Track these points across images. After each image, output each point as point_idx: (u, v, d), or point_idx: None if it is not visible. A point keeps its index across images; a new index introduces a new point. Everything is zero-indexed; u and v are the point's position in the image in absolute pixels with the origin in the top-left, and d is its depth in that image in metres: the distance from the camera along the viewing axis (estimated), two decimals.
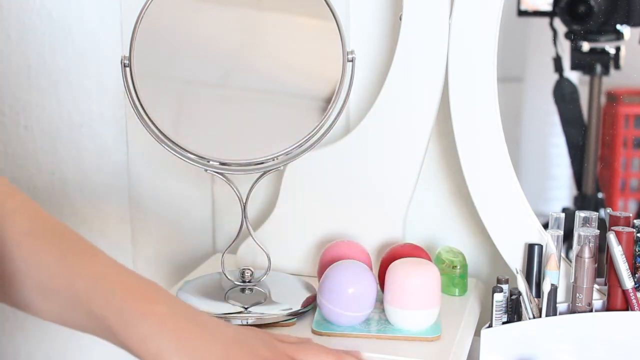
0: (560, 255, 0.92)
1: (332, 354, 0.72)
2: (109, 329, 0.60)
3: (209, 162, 0.92)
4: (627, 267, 0.90)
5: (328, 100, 0.92)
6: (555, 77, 1.10)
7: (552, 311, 0.90)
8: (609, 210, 0.94)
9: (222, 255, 0.96)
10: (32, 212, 0.64)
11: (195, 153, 0.91)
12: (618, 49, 1.07)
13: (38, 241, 0.62)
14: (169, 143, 0.91)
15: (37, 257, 0.62)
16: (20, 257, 0.62)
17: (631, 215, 0.92)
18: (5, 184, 0.65)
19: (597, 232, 0.91)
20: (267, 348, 0.65)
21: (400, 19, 0.97)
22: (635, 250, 0.91)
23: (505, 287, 0.91)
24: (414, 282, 0.87)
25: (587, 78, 1.09)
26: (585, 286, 0.90)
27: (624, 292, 0.90)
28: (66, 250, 0.63)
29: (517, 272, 0.91)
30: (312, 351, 0.70)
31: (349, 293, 0.87)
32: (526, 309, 0.90)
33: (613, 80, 1.09)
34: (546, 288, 0.89)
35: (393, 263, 0.90)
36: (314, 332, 0.88)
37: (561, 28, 1.07)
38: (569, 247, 0.98)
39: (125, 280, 0.62)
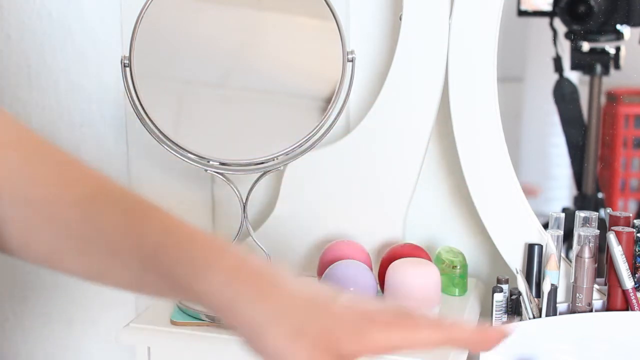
0: (560, 255, 0.92)
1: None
2: (180, 283, 0.58)
3: (209, 162, 0.92)
4: (627, 267, 0.90)
5: (328, 100, 0.92)
6: (555, 77, 1.10)
7: (552, 311, 0.90)
8: (609, 210, 0.94)
9: None
10: (93, 178, 0.63)
11: (195, 153, 0.91)
12: (618, 49, 1.07)
13: (102, 205, 0.61)
14: (169, 143, 0.91)
15: (102, 221, 0.60)
16: (83, 222, 0.60)
17: (631, 215, 0.92)
18: (58, 151, 0.64)
19: (597, 232, 0.91)
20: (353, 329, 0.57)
21: (400, 19, 0.97)
22: (635, 250, 0.91)
23: (505, 287, 0.91)
24: (414, 282, 0.87)
25: (587, 78, 1.09)
26: (585, 286, 0.90)
27: (624, 292, 0.90)
28: (131, 210, 0.61)
29: (517, 272, 0.91)
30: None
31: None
32: (526, 309, 0.90)
33: (613, 80, 1.09)
34: (546, 288, 0.89)
35: (393, 263, 0.90)
36: None
37: (561, 28, 1.07)
38: (569, 247, 0.98)
39: (194, 233, 0.60)
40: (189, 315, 0.91)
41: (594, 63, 1.08)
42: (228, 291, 0.57)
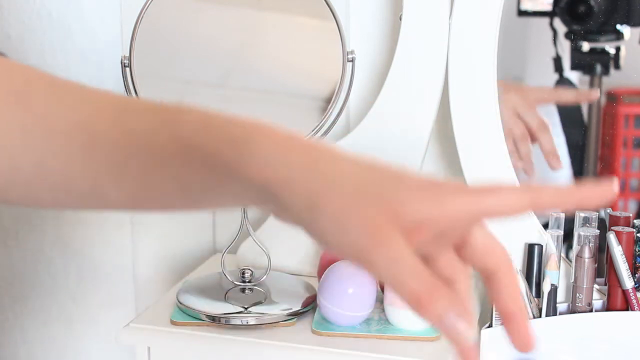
0: (560, 255, 0.92)
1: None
2: (227, 166, 0.51)
3: None
4: (627, 267, 0.90)
5: (328, 100, 0.92)
6: (555, 77, 1.10)
7: (552, 311, 0.90)
8: (609, 210, 0.94)
9: (222, 255, 0.96)
10: (116, 97, 0.59)
11: None
12: (618, 49, 1.07)
13: (131, 113, 0.57)
14: None
15: (134, 124, 0.56)
16: (116, 134, 0.56)
17: (631, 215, 0.92)
18: (74, 83, 0.61)
19: (597, 232, 0.91)
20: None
21: (400, 19, 0.97)
22: (635, 250, 0.91)
23: None
24: None
25: (587, 78, 1.09)
26: (585, 286, 0.90)
27: (624, 292, 0.90)
28: (161, 110, 0.56)
29: (517, 272, 0.91)
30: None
31: (349, 293, 0.87)
32: (526, 308, 0.90)
33: (613, 80, 1.08)
34: (546, 288, 0.89)
35: None
36: (314, 332, 0.88)
37: (561, 28, 1.07)
38: (569, 247, 0.98)
39: (233, 116, 0.55)
40: (189, 315, 0.91)
41: (594, 63, 1.08)
42: (281, 163, 0.50)
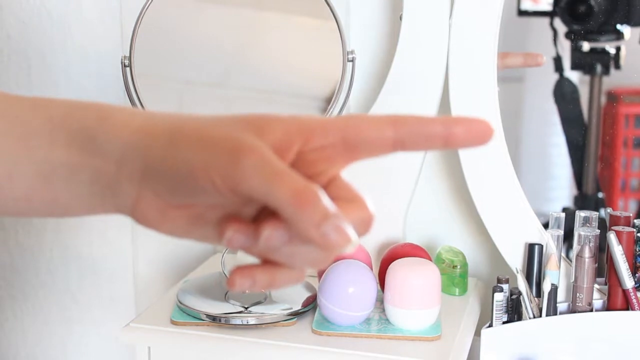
0: (560, 255, 0.92)
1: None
2: (89, 135, 0.51)
3: None
4: (627, 267, 0.90)
5: (328, 100, 0.92)
6: (555, 77, 1.10)
7: (552, 311, 0.90)
8: (609, 210, 0.94)
9: (222, 255, 0.96)
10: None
11: None
12: (618, 49, 1.07)
13: (11, 99, 0.56)
14: None
15: (13, 107, 0.54)
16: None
17: (631, 215, 0.92)
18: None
19: (598, 231, 0.91)
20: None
21: (401, 19, 0.97)
22: (636, 250, 0.91)
23: (505, 286, 0.91)
24: (414, 282, 0.87)
25: (587, 78, 1.09)
26: (585, 286, 0.90)
27: (624, 292, 0.90)
28: (39, 98, 0.55)
29: (517, 272, 0.91)
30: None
31: (349, 293, 0.87)
32: (526, 308, 0.90)
33: (613, 80, 1.08)
34: (546, 288, 0.89)
35: (393, 263, 0.90)
36: (314, 331, 0.88)
37: (561, 28, 1.07)
38: (569, 247, 0.98)
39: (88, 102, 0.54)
40: (189, 315, 0.91)
41: (594, 63, 1.08)
42: (141, 115, 0.50)
